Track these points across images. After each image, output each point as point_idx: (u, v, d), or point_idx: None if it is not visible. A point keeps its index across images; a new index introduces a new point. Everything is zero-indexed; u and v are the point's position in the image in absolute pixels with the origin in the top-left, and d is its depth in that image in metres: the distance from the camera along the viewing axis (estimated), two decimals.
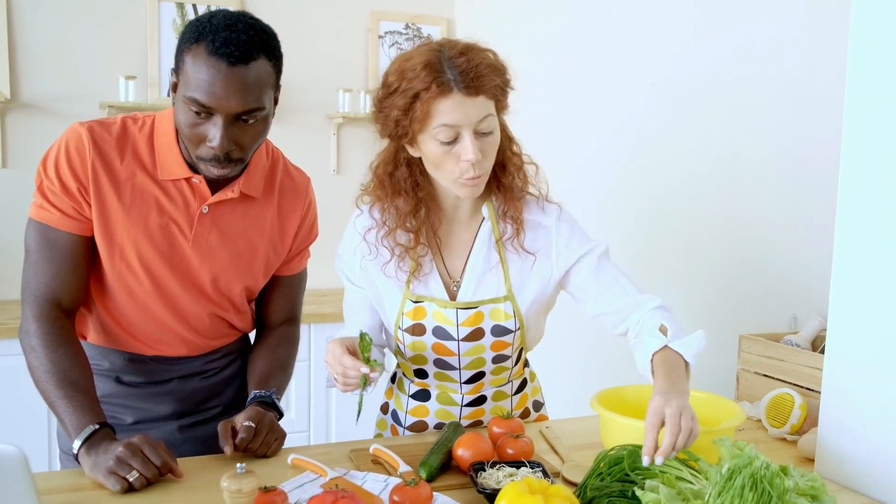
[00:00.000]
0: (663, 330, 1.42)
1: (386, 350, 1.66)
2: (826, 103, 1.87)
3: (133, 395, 1.58)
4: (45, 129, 3.22)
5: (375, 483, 1.32)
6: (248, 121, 1.36)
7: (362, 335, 1.41)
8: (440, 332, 1.52)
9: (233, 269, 1.54)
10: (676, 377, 1.32)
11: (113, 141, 1.44)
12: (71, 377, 1.37)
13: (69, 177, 1.41)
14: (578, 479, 1.30)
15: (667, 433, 1.17)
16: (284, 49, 1.41)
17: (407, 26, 3.71)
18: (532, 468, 1.30)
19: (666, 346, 1.39)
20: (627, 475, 1.19)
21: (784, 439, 1.62)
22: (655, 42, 2.46)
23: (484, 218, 1.53)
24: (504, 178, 1.52)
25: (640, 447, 1.19)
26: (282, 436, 1.47)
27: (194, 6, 3.36)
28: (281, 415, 1.54)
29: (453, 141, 1.38)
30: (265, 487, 1.16)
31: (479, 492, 1.23)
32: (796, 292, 2.04)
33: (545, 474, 1.28)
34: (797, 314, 1.99)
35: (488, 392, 1.62)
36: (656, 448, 1.17)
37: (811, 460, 1.47)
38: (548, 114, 3.03)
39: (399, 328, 1.54)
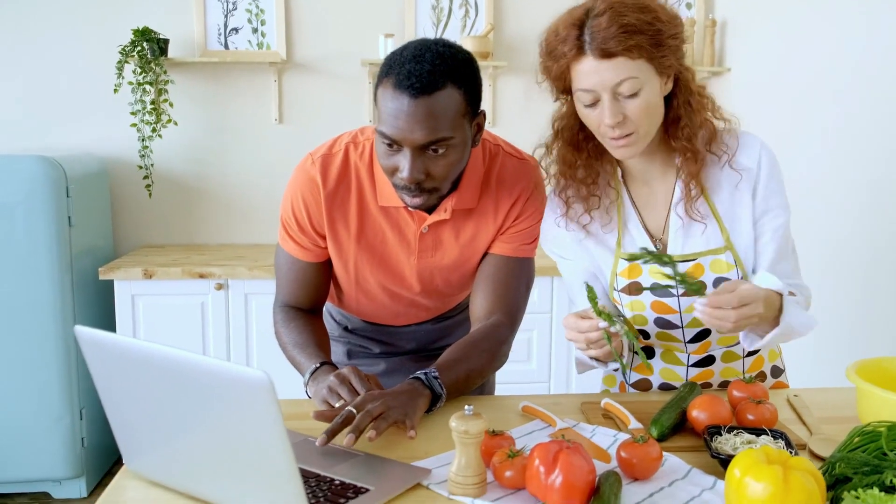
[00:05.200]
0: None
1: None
2: None
3: (377, 331, 1.80)
4: (314, 88, 3.50)
5: (604, 437, 1.31)
6: (437, 151, 1.36)
7: (588, 288, 1.34)
8: (658, 289, 1.46)
9: (464, 269, 1.61)
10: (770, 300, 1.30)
11: (339, 176, 1.51)
12: (299, 341, 1.55)
13: (305, 219, 1.54)
14: (827, 453, 1.20)
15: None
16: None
17: None
18: (774, 437, 1.21)
19: (775, 293, 1.32)
20: (885, 454, 1.07)
21: None
22: None
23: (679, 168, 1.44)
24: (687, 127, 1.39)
25: None
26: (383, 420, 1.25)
27: None
28: (437, 397, 1.38)
29: (595, 104, 1.33)
30: (493, 431, 1.19)
31: (713, 456, 1.17)
32: None
33: (788, 445, 1.19)
34: None
35: (717, 352, 1.54)
36: None
37: None
38: (805, 101, 2.76)
39: (615, 289, 1.50)
